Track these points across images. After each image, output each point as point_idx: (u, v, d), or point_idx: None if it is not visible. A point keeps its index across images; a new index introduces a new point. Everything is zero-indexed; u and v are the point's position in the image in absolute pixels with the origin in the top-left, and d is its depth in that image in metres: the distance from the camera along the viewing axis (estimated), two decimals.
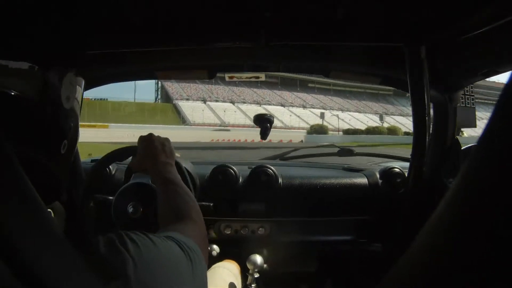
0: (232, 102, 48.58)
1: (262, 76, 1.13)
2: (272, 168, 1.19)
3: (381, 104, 57.29)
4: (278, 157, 1.52)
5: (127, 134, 20.55)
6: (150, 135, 0.71)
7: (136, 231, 0.37)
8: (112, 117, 38.15)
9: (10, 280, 0.23)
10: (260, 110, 45.60)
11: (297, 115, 45.99)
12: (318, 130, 32.11)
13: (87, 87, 1.09)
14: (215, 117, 42.56)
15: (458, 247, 0.16)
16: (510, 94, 0.16)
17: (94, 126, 33.48)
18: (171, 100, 46.68)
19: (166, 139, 0.73)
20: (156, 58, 1.04)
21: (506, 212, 0.14)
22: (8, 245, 0.24)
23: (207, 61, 1.08)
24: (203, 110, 42.81)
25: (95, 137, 17.97)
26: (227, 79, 1.16)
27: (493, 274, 0.15)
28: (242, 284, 1.03)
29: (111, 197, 0.86)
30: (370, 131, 30.44)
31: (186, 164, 0.98)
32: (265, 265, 1.08)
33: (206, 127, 36.77)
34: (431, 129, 0.96)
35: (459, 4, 0.64)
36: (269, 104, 49.92)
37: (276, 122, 43.11)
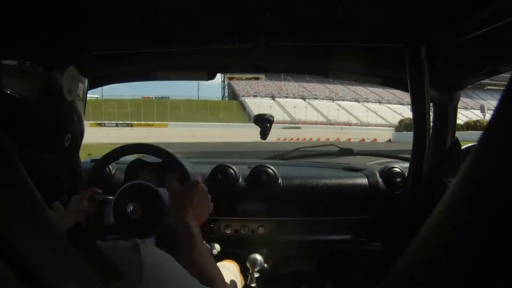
0: (303, 98, 46.42)
1: (262, 77, 1.13)
2: (272, 167, 1.19)
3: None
4: (278, 156, 1.52)
5: (186, 133, 19.78)
6: (202, 186, 0.71)
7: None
8: (172, 116, 36.97)
9: (10, 280, 0.23)
10: (333, 106, 43.32)
11: (373, 111, 43.54)
12: (410, 126, 27.25)
13: (88, 88, 1.09)
14: (284, 113, 40.43)
15: (458, 246, 0.16)
16: (511, 94, 0.16)
17: (151, 125, 32.99)
18: (237, 97, 45.03)
19: (206, 192, 0.73)
20: (156, 58, 1.04)
21: (507, 211, 0.14)
22: (8, 244, 0.24)
23: (207, 61, 1.08)
24: (270, 107, 40.95)
25: (152, 136, 16.94)
26: (227, 79, 1.16)
27: (493, 274, 0.15)
28: (242, 284, 1.03)
29: (111, 197, 0.86)
30: (471, 125, 23.50)
31: (186, 163, 0.98)
32: (265, 265, 1.08)
33: (274, 124, 34.24)
34: (431, 129, 0.97)
35: (459, 4, 0.64)
36: (343, 100, 47.58)
37: (349, 119, 41.24)
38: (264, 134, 1.17)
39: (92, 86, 1.14)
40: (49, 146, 0.39)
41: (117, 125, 33.23)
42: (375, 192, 1.18)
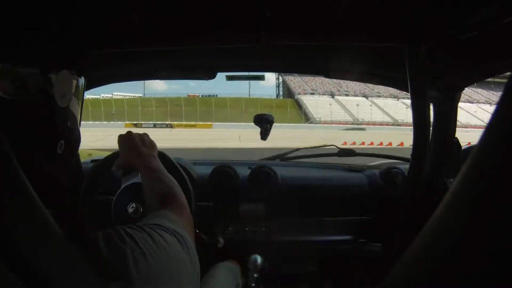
0: (365, 96, 42.32)
1: (263, 76, 1.13)
2: (272, 168, 1.19)
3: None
4: (278, 157, 1.52)
5: (233, 134, 17.73)
6: (129, 132, 0.73)
7: (132, 224, 0.37)
8: (218, 115, 34.27)
9: (11, 279, 0.23)
10: (398, 105, 39.28)
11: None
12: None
13: (87, 87, 1.09)
14: (345, 113, 36.79)
15: (459, 247, 0.16)
16: (510, 94, 0.16)
17: (193, 126, 29.73)
18: (293, 96, 41.24)
19: (145, 134, 0.74)
20: (157, 58, 1.04)
21: (508, 212, 0.14)
22: (8, 245, 0.24)
23: (207, 61, 1.08)
24: (330, 105, 37.27)
25: (193, 139, 15.23)
26: (227, 79, 1.16)
27: (494, 274, 0.15)
28: (242, 284, 1.03)
29: (111, 197, 0.86)
30: None
31: (182, 162, 0.98)
32: (265, 265, 1.08)
33: (334, 125, 31.16)
34: (431, 129, 0.96)
35: (459, 4, 0.64)
36: (408, 98, 42.54)
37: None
38: (264, 134, 1.17)
39: (92, 86, 1.14)
40: (41, 152, 0.38)
41: (155, 126, 29.73)
42: (375, 193, 1.18)
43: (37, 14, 0.36)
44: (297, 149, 1.55)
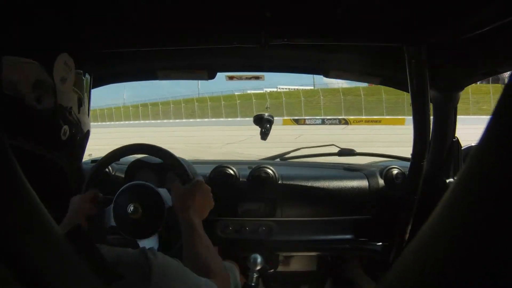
0: None
1: (263, 76, 1.13)
2: (272, 168, 1.19)
3: None
4: (278, 157, 1.52)
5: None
6: (206, 186, 0.78)
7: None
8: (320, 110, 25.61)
9: (10, 279, 0.23)
10: None
11: None
12: None
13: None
14: None
15: (459, 247, 0.16)
16: (510, 94, 0.16)
17: (378, 122, 21.03)
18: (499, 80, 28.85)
19: (209, 190, 0.79)
20: (156, 58, 1.04)
21: (508, 211, 0.14)
22: (8, 244, 0.24)
23: (207, 61, 1.08)
24: None
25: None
26: (227, 79, 1.16)
27: (494, 274, 0.15)
28: (242, 284, 1.03)
29: (111, 197, 0.86)
30: None
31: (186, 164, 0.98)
32: (265, 265, 1.08)
33: None
34: (431, 129, 0.97)
35: (459, 4, 0.64)
36: None
37: None
38: (264, 134, 1.17)
39: (91, 86, 1.14)
40: (44, 139, 0.37)
41: (323, 122, 23.02)
42: (375, 192, 1.18)
43: (38, 13, 0.36)
44: (297, 149, 1.56)
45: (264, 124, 1.16)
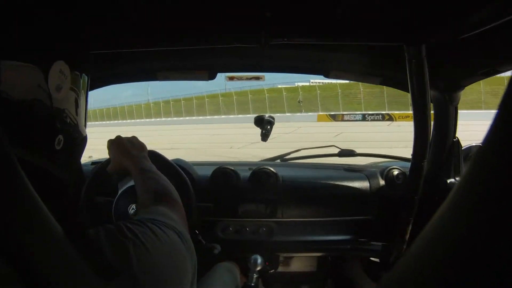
0: None
1: (263, 76, 1.13)
2: (273, 168, 1.19)
3: None
4: (278, 158, 1.52)
5: None
6: (118, 136, 0.74)
7: (133, 219, 0.37)
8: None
9: (10, 279, 0.23)
10: None
11: None
12: None
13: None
14: None
15: (461, 248, 0.16)
16: None
17: None
18: None
19: (133, 136, 0.75)
20: (156, 58, 1.04)
21: (510, 214, 0.14)
22: (8, 244, 0.24)
23: (207, 61, 1.08)
24: None
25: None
26: (227, 79, 1.16)
27: (496, 274, 0.14)
28: (242, 284, 1.03)
29: (112, 199, 0.86)
30: None
31: (182, 163, 0.98)
32: (265, 265, 1.08)
33: None
34: (431, 129, 0.97)
35: (459, 4, 0.64)
36: None
37: None
38: (264, 135, 1.17)
39: (91, 87, 1.14)
40: (38, 148, 0.37)
41: (364, 117, 20.58)
42: (376, 193, 1.18)
43: (37, 13, 0.35)
44: (298, 150, 1.56)
45: (264, 125, 1.16)
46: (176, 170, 0.93)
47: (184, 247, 0.39)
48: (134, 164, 0.66)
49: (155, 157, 0.93)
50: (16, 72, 0.33)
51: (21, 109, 0.34)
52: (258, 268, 1.04)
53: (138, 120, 28.66)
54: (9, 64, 0.32)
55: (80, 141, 0.44)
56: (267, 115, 1.18)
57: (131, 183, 0.87)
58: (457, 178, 1.08)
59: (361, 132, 13.04)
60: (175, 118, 27.24)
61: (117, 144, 0.71)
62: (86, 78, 0.45)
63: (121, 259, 0.31)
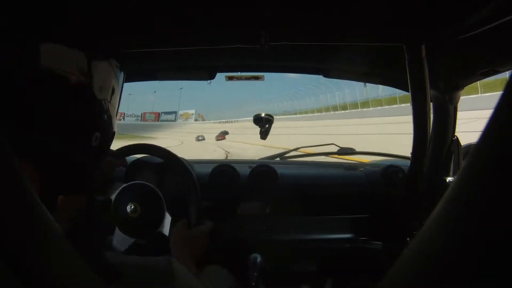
0: None
1: (263, 76, 1.13)
2: (272, 167, 1.19)
3: None
4: (278, 156, 1.52)
5: None
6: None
7: None
8: None
9: (10, 279, 0.23)
10: None
11: None
12: None
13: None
14: None
15: (459, 245, 0.16)
16: (510, 93, 0.16)
17: None
18: None
19: (198, 232, 0.83)
20: (156, 58, 1.04)
21: (508, 210, 0.14)
22: (7, 244, 0.24)
23: (207, 62, 1.08)
24: None
25: None
26: (226, 79, 1.16)
27: (494, 272, 0.15)
28: (242, 284, 1.03)
29: (110, 197, 0.86)
30: None
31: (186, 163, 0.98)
32: (265, 264, 1.08)
33: None
34: (431, 128, 0.97)
35: (459, 4, 0.64)
36: None
37: None
38: (264, 134, 1.17)
39: None
40: (76, 143, 0.37)
41: None
42: (375, 191, 1.18)
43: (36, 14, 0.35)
44: (297, 148, 1.56)
45: (263, 123, 1.16)
46: (185, 168, 0.94)
47: None
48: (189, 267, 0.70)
49: (157, 150, 0.93)
50: (68, 54, 0.34)
51: (73, 91, 0.34)
52: (258, 267, 1.04)
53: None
54: (62, 48, 0.33)
55: (112, 137, 0.44)
56: (263, 113, 1.18)
57: (132, 181, 0.87)
58: (455, 176, 1.08)
59: None
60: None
61: (203, 244, 0.80)
62: (121, 76, 0.45)
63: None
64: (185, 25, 0.76)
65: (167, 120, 58.40)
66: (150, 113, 63.37)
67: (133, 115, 61.65)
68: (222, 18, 0.73)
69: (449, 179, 1.07)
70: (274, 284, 1.22)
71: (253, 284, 1.03)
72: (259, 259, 1.05)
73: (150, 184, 0.87)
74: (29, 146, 0.31)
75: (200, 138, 21.96)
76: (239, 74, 1.13)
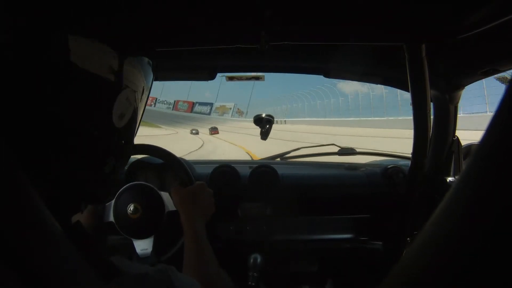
0: None
1: (263, 76, 1.13)
2: (273, 167, 1.19)
3: None
4: (278, 156, 1.52)
5: None
6: (204, 187, 0.81)
7: None
8: None
9: (10, 279, 0.23)
10: None
11: None
12: None
13: None
14: None
15: (460, 246, 0.16)
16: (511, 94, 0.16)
17: None
18: None
19: (202, 186, 0.82)
20: (156, 58, 1.04)
21: (509, 210, 0.14)
22: (7, 244, 0.24)
23: (207, 62, 1.08)
24: None
25: None
26: (226, 79, 1.16)
27: (494, 272, 0.15)
28: (242, 284, 1.03)
29: (110, 198, 0.86)
30: None
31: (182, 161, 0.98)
32: (265, 265, 1.08)
33: None
34: (431, 128, 0.97)
35: (459, 4, 0.64)
36: None
37: None
38: (264, 134, 1.17)
39: None
40: (87, 170, 0.35)
41: None
42: (376, 191, 1.18)
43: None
44: (298, 149, 1.56)
45: (264, 124, 1.16)
46: (184, 169, 0.94)
47: None
48: (189, 224, 0.69)
49: (157, 151, 0.93)
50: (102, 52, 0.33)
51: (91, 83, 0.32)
52: (258, 268, 1.04)
53: None
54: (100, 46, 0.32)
55: (127, 158, 0.43)
56: (264, 114, 1.18)
57: (132, 181, 0.87)
58: (456, 177, 1.08)
59: None
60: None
61: (206, 197, 0.78)
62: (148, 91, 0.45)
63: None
64: (185, 25, 0.76)
65: (200, 113, 51.89)
66: (184, 102, 55.82)
67: (165, 102, 55.51)
68: (223, 18, 0.73)
69: (449, 179, 1.07)
70: (274, 284, 1.22)
71: (253, 284, 1.03)
72: (259, 259, 1.05)
73: (150, 185, 0.87)
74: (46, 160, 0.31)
75: (194, 131, 22.58)
76: (239, 74, 1.13)
